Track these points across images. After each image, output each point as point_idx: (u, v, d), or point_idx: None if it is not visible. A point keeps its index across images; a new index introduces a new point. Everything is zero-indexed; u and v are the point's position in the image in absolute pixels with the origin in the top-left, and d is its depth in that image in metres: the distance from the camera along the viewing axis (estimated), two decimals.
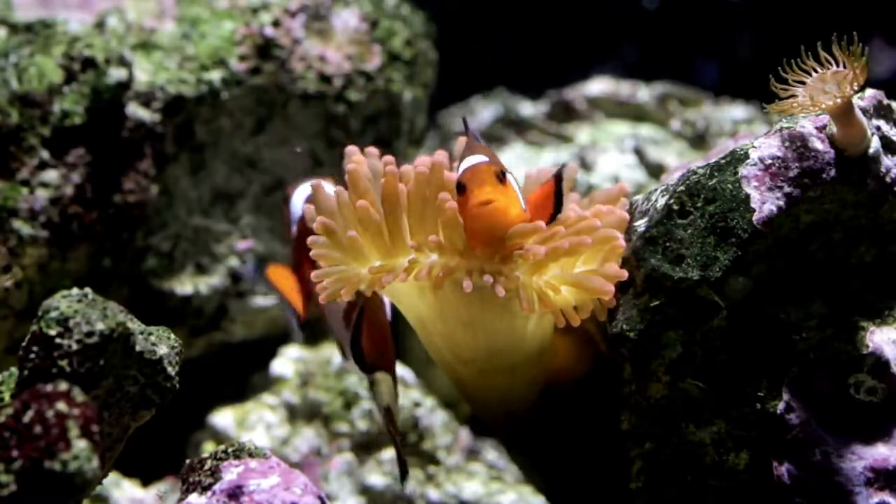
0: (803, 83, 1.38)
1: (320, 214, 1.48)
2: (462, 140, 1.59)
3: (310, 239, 1.47)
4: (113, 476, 2.12)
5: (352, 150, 1.58)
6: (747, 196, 1.41)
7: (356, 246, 1.44)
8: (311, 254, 1.47)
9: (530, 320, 1.51)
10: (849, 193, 1.41)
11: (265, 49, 2.26)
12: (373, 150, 1.60)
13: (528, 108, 2.94)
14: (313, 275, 1.48)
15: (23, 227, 2.04)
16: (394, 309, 1.60)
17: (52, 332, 1.21)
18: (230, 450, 1.38)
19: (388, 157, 1.59)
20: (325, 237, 1.45)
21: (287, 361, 2.36)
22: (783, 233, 1.42)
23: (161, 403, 1.35)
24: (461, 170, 1.42)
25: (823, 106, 1.36)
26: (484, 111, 2.95)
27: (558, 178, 1.45)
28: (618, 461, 1.54)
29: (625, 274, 1.42)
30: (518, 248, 1.39)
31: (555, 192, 1.43)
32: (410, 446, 2.22)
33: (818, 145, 1.41)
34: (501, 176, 1.39)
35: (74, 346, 1.21)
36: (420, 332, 1.59)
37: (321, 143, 2.35)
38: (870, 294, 1.45)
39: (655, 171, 2.59)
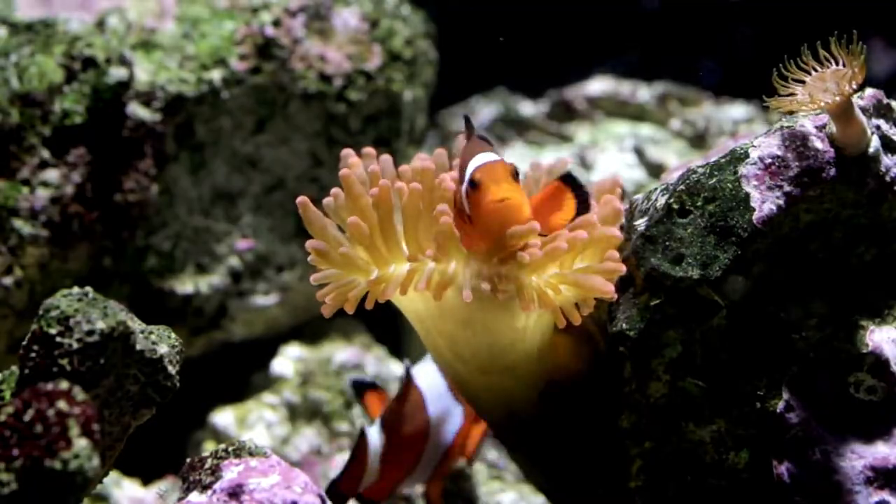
0: (803, 82, 1.38)
1: (311, 229, 1.49)
2: (462, 138, 1.60)
3: (308, 244, 1.49)
4: (113, 475, 2.12)
5: (347, 152, 1.58)
6: (747, 195, 1.41)
7: (350, 261, 1.45)
8: (309, 259, 1.48)
9: (530, 319, 1.51)
10: (848, 192, 1.41)
11: (265, 48, 2.26)
12: (370, 151, 1.60)
13: (528, 108, 2.94)
14: (313, 278, 1.49)
15: (23, 227, 2.04)
16: (395, 308, 1.60)
17: (53, 331, 1.21)
18: (230, 448, 1.38)
19: (386, 157, 1.60)
20: (318, 259, 1.47)
21: (287, 361, 2.36)
22: (783, 232, 1.42)
23: (161, 402, 1.35)
24: (473, 166, 1.42)
25: (823, 104, 1.36)
26: (484, 111, 2.96)
27: (569, 180, 1.46)
28: (617, 460, 1.54)
29: (623, 268, 1.42)
30: (516, 249, 1.39)
31: (576, 196, 1.45)
32: None
33: (818, 144, 1.41)
34: (515, 174, 1.40)
35: (75, 345, 1.21)
36: (420, 330, 1.60)
37: (321, 143, 2.35)
38: (869, 293, 1.46)
39: (655, 170, 2.59)
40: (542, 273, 1.42)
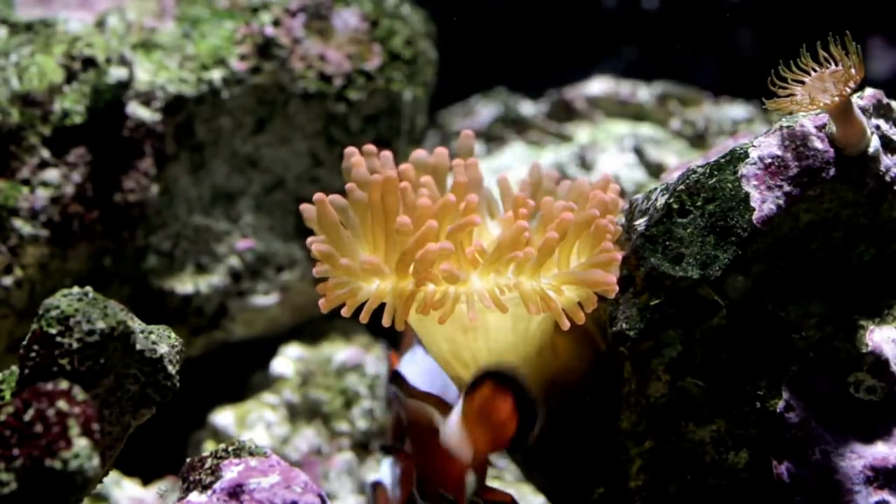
0: (802, 83, 1.38)
1: (321, 226, 1.49)
2: (467, 135, 1.60)
3: (309, 241, 1.49)
4: (113, 475, 2.12)
5: (351, 150, 1.58)
6: (747, 195, 1.41)
7: (352, 271, 1.45)
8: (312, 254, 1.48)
9: (530, 321, 1.51)
10: (848, 192, 1.41)
11: (265, 48, 2.26)
12: (371, 149, 1.60)
13: (528, 108, 2.94)
14: (315, 270, 1.49)
15: (23, 227, 2.04)
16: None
17: (53, 331, 1.21)
18: (230, 448, 1.38)
19: (386, 154, 1.60)
20: (322, 260, 1.47)
21: (287, 360, 2.36)
22: (783, 232, 1.42)
23: (161, 402, 1.35)
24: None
25: (822, 105, 1.36)
26: (484, 111, 2.96)
27: (502, 381, 1.36)
28: (617, 460, 1.54)
29: (619, 255, 1.42)
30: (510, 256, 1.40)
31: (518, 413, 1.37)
32: None
33: (818, 144, 1.41)
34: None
35: (75, 345, 1.21)
36: (421, 334, 1.60)
37: (321, 143, 2.35)
38: (869, 293, 1.46)
39: (655, 170, 2.59)
40: (542, 274, 1.42)
